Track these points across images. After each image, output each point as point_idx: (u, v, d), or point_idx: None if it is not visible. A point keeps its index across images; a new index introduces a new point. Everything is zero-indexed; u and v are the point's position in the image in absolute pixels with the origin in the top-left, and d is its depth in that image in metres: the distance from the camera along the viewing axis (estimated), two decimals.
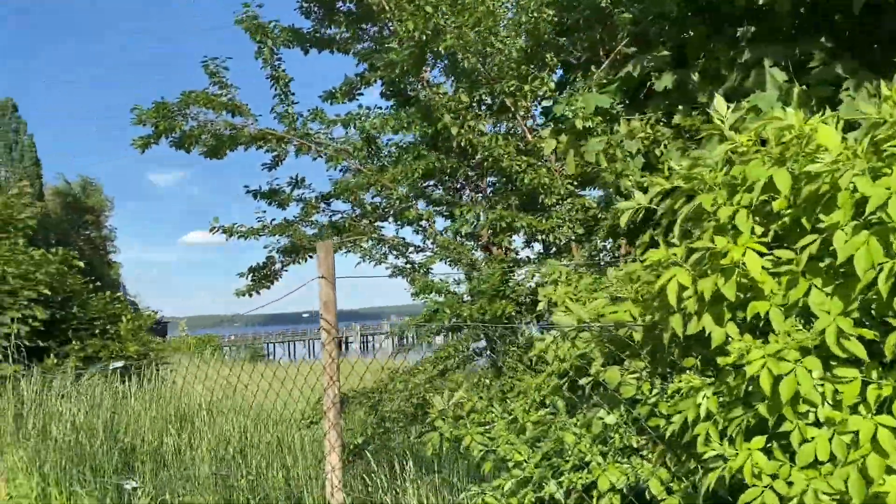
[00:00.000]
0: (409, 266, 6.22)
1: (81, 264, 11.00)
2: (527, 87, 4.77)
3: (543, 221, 4.80)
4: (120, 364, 6.53)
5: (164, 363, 12.14)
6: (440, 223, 6.42)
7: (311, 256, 6.31)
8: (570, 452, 3.60)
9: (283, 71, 5.57)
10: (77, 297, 11.33)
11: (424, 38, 4.70)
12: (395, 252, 6.30)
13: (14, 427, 6.90)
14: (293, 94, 5.59)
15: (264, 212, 6.19)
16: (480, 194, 5.69)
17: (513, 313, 4.80)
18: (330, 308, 4.42)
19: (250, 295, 6.48)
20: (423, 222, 5.99)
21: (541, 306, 4.67)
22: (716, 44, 4.38)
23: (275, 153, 6.07)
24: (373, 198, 6.55)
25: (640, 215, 3.53)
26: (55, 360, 9.76)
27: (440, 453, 4.23)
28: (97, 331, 11.07)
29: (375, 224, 6.48)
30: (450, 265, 5.65)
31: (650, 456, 3.39)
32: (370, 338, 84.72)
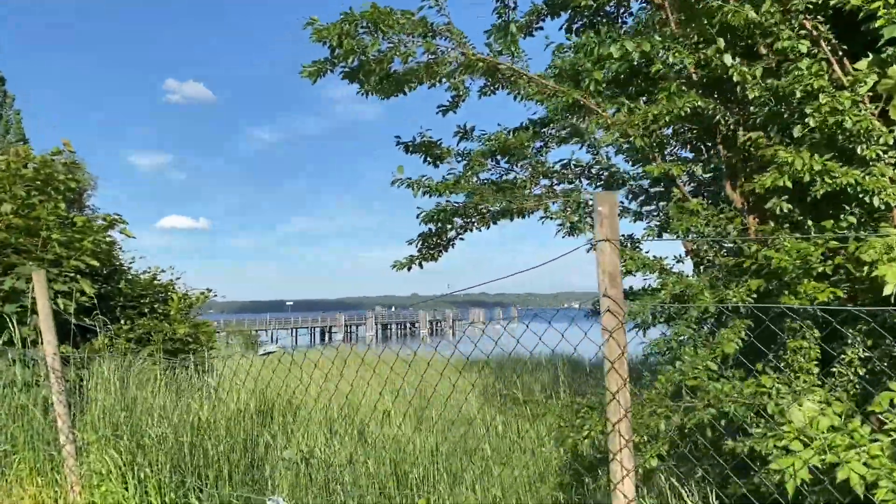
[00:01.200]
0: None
1: (133, 235, 9.66)
2: (854, 2, 3.64)
3: (867, 179, 3.69)
4: (273, 349, 5.31)
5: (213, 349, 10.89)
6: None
7: (495, 223, 5.15)
8: None
9: None
10: (121, 270, 10.01)
11: None
12: (591, 219, 5.15)
13: (99, 421, 5.63)
14: (515, 7, 4.38)
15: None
16: (727, 146, 4.54)
17: (832, 298, 3.67)
18: (616, 281, 3.21)
19: (409, 268, 5.30)
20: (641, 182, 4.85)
21: (889, 289, 3.58)
22: None
23: (455, 93, 4.88)
24: (537, 153, 5.42)
25: None
26: (106, 342, 8.47)
27: (802, 490, 3.10)
28: (146, 309, 9.75)
29: (557, 186, 5.33)
30: (685, 236, 4.50)
31: None
32: (356, 326, 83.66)
